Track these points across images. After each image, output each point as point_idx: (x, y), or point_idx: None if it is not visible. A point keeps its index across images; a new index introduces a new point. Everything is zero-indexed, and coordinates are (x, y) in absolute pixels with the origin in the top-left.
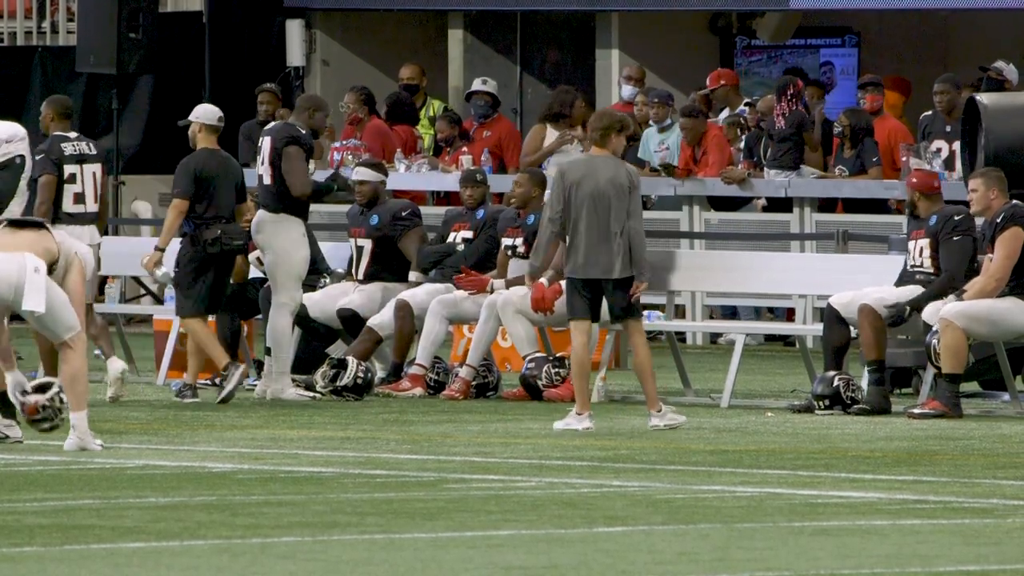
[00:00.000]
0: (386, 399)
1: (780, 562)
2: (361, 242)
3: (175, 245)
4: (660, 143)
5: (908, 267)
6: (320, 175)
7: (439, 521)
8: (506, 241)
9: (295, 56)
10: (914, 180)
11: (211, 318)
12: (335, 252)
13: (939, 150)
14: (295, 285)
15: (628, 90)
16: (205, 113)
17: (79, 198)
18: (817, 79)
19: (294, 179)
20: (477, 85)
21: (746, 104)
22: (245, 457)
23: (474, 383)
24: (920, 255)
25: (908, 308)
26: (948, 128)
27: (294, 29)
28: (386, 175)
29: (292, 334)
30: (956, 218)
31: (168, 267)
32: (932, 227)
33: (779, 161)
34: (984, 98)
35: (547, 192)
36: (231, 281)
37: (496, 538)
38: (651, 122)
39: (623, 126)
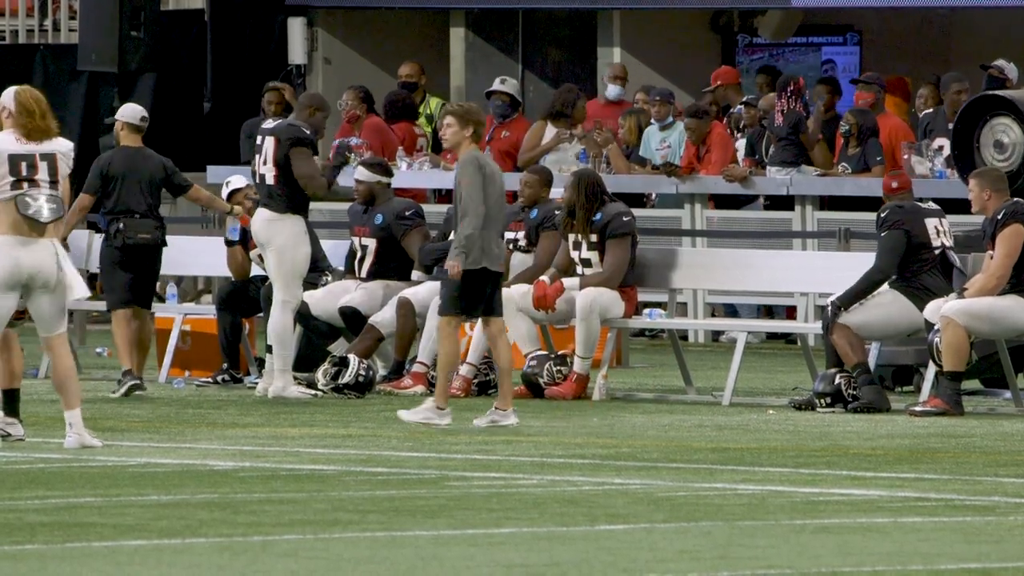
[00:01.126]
0: (388, 397)
1: (782, 560)
2: (365, 241)
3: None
4: (662, 141)
5: None
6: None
7: (441, 519)
8: (507, 235)
9: (297, 54)
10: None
11: (213, 316)
12: (336, 250)
13: (941, 148)
14: (297, 283)
15: (613, 89)
16: (130, 112)
17: None
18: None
19: (308, 182)
20: (496, 85)
21: (742, 103)
22: (247, 455)
23: (475, 381)
24: None
25: (834, 306)
26: (951, 126)
27: (296, 27)
28: (391, 175)
29: (294, 332)
30: (883, 215)
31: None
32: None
33: (780, 159)
34: (1010, 94)
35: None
36: (232, 279)
37: (498, 536)
38: (652, 120)
39: None
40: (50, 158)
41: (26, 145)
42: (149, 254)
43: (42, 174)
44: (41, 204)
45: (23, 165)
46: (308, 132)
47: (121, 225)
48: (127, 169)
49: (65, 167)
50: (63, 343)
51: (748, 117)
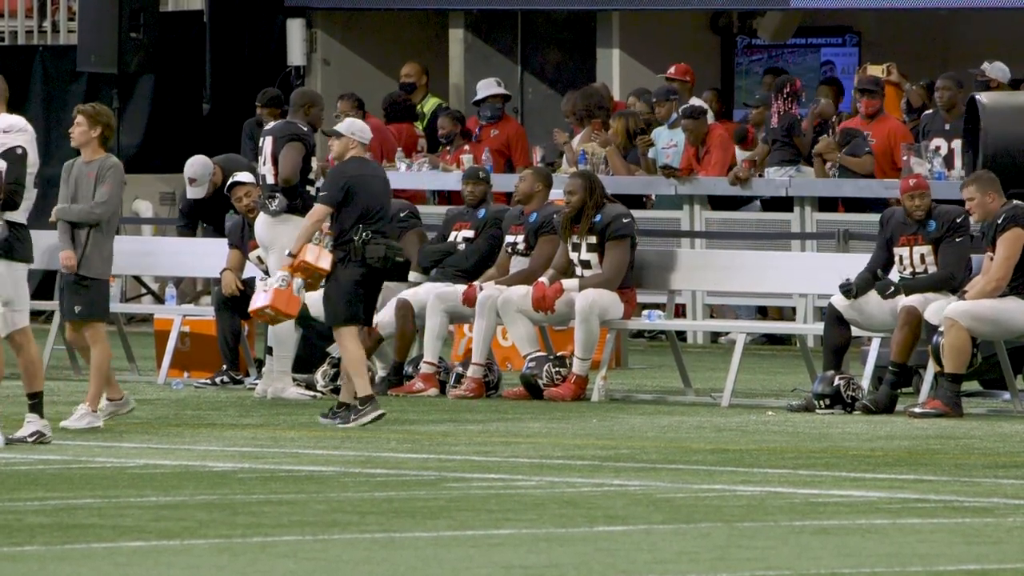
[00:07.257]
0: (385, 398)
1: (781, 561)
2: None
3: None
4: (669, 140)
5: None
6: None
7: (440, 520)
8: (508, 238)
9: (296, 55)
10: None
11: (212, 317)
12: None
13: (938, 148)
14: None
15: None
16: None
17: None
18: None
19: (283, 165)
20: (494, 89)
21: (745, 104)
22: (246, 456)
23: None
24: (922, 262)
25: (893, 287)
26: (947, 126)
27: (295, 28)
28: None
29: (295, 334)
30: (958, 220)
31: None
32: (932, 232)
33: (778, 159)
34: (984, 98)
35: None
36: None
37: (497, 537)
38: (659, 120)
39: None
40: None
41: None
42: None
43: None
44: None
45: None
46: (304, 129)
47: None
48: None
49: None
50: (25, 335)
51: (755, 117)
